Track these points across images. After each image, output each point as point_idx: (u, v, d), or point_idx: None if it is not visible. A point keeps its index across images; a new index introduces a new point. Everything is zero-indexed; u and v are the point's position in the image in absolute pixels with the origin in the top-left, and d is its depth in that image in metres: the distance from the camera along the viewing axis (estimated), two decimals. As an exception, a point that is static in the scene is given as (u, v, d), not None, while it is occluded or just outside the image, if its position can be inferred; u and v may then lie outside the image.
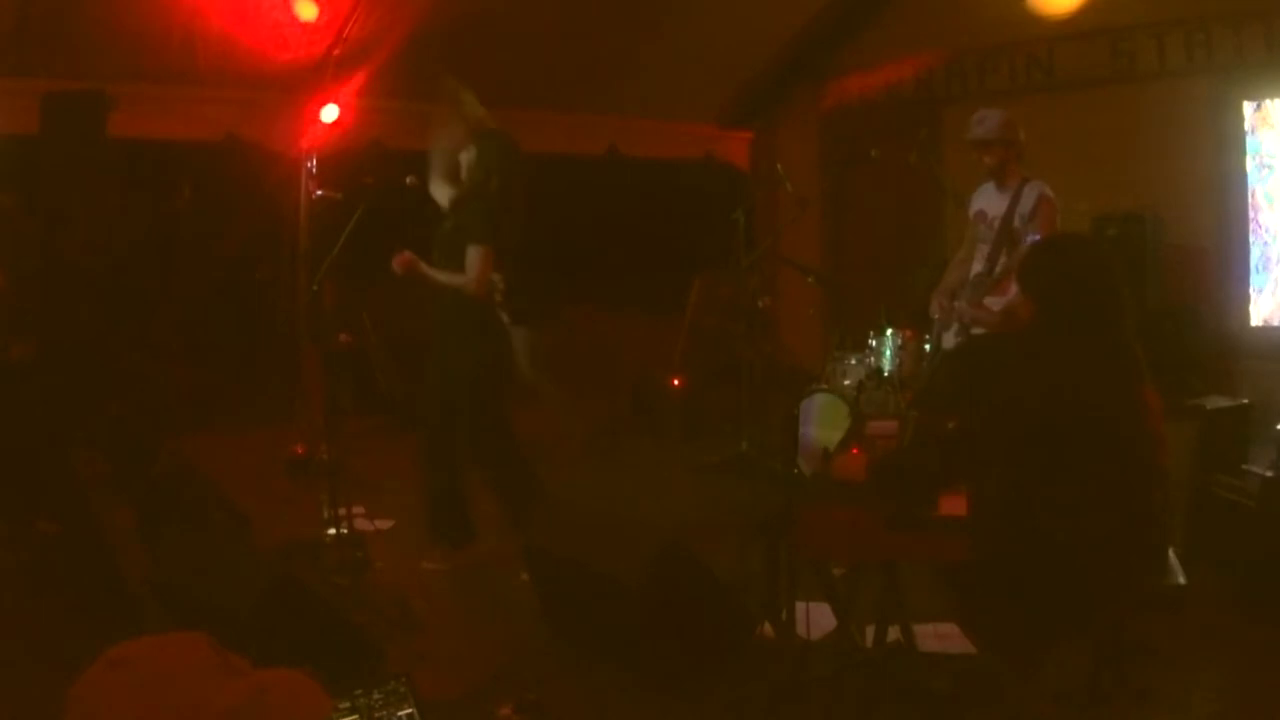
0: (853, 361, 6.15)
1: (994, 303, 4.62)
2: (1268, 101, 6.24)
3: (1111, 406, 2.78)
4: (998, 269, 4.59)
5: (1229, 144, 6.39)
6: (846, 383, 6.06)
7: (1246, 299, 6.41)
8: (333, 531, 4.78)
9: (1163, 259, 6.61)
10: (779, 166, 7.21)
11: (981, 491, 2.93)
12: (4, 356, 4.49)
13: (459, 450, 4.66)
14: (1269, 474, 4.22)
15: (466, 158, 4.63)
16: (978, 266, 4.74)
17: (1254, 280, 6.36)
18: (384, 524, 5.35)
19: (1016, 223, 4.53)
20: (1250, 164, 6.32)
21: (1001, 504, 2.84)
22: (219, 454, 5.64)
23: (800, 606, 3.45)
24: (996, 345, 4.48)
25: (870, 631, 3.53)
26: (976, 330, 4.67)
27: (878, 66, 8.32)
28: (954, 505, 3.00)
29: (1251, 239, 6.33)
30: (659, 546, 3.55)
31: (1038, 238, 4.23)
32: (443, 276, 4.50)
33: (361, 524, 4.94)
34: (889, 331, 5.98)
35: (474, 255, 4.42)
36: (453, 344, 4.62)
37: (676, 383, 7.83)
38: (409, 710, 2.32)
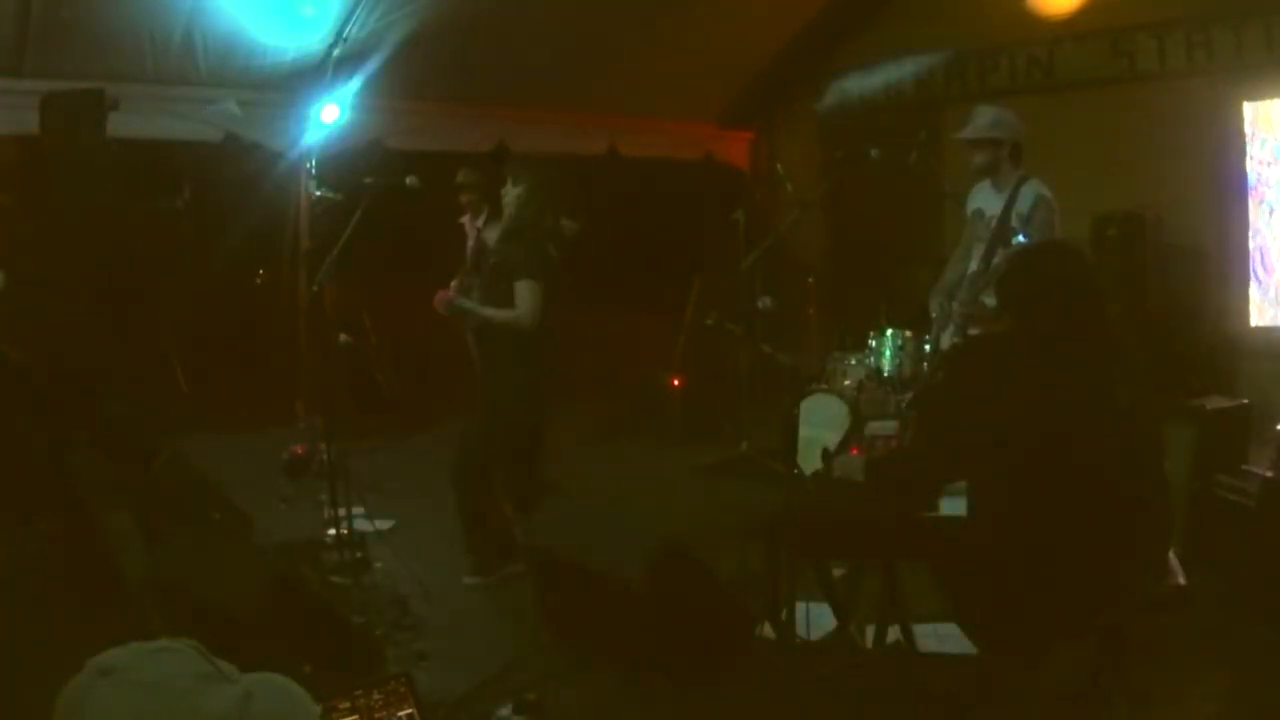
0: (853, 361, 6.15)
1: (989, 303, 4.61)
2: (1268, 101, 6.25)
3: (1106, 409, 2.78)
4: (993, 268, 4.58)
5: (1229, 144, 6.39)
6: (846, 383, 6.06)
7: (1246, 299, 6.41)
8: (333, 531, 4.78)
9: (1163, 259, 6.62)
10: (779, 166, 7.22)
11: (981, 492, 2.93)
12: (4, 357, 4.49)
13: (491, 475, 4.71)
14: (1269, 474, 4.22)
15: (514, 194, 4.66)
16: (974, 265, 4.72)
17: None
18: (384, 524, 5.34)
19: (1013, 222, 4.51)
20: (1250, 164, 6.32)
21: (1001, 504, 2.84)
22: (219, 454, 5.63)
23: (800, 606, 3.45)
24: (994, 345, 4.47)
25: (870, 631, 3.54)
26: (973, 330, 4.66)
27: (878, 66, 8.32)
28: (954, 505, 3.00)
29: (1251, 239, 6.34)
30: (659, 546, 3.55)
31: (1024, 240, 4.23)
32: (490, 312, 4.57)
33: (361, 524, 4.94)
34: (889, 331, 5.98)
35: (525, 290, 4.46)
36: (497, 374, 4.70)
37: (676, 383, 7.83)
38: (409, 710, 2.32)
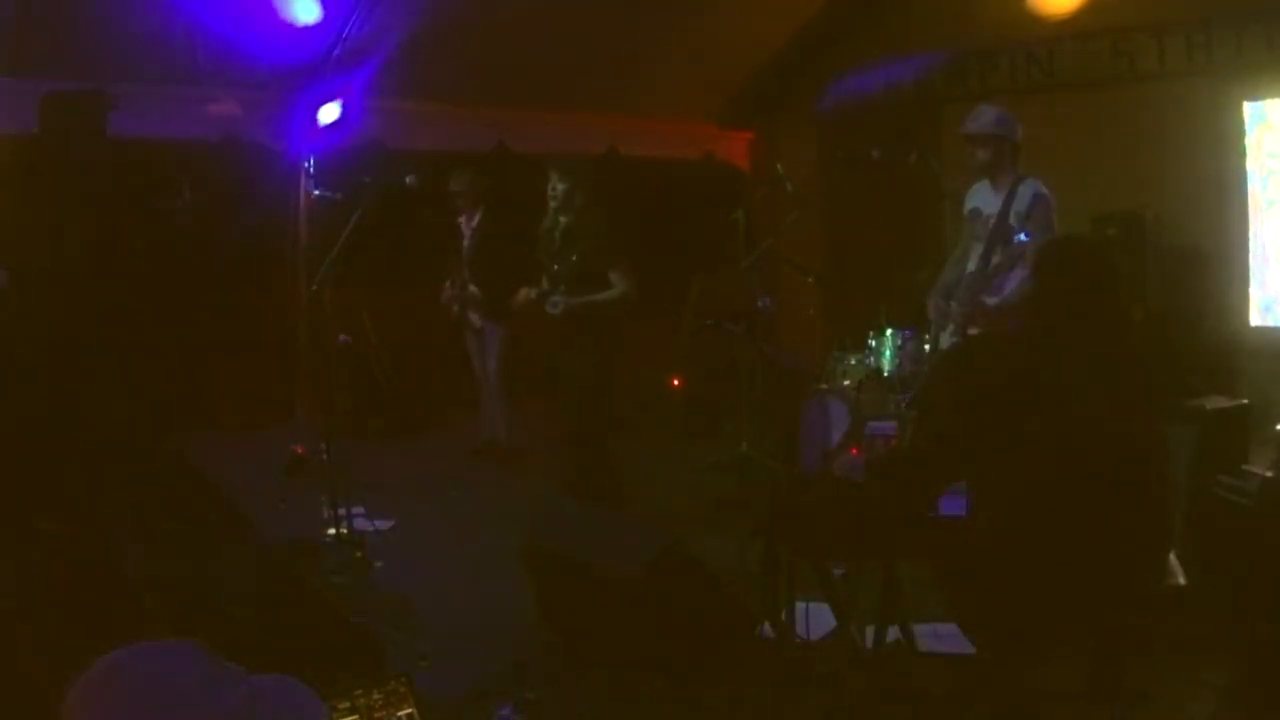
0: (853, 361, 6.15)
1: (988, 301, 4.61)
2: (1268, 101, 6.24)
3: (1113, 408, 2.78)
4: (992, 267, 4.58)
5: (1229, 144, 6.39)
6: (846, 383, 6.06)
7: (1246, 299, 6.40)
8: (333, 531, 4.78)
9: (1163, 259, 6.61)
10: (779, 166, 7.21)
11: (981, 492, 2.93)
12: (4, 356, 4.49)
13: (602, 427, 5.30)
14: (1269, 474, 4.21)
15: (561, 189, 5.14)
16: (972, 265, 4.72)
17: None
18: (384, 524, 5.35)
19: (1012, 221, 4.52)
20: (1250, 164, 6.32)
21: (1001, 504, 2.84)
22: (219, 454, 5.63)
23: (800, 606, 3.45)
24: (994, 345, 4.47)
25: (870, 631, 3.54)
26: (972, 330, 4.65)
27: (878, 66, 8.32)
28: (954, 505, 3.00)
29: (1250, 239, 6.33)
30: (658, 546, 3.55)
31: (1025, 238, 4.23)
32: (600, 297, 5.13)
33: (361, 524, 4.94)
34: (889, 331, 5.98)
35: (619, 276, 5.15)
36: (578, 346, 5.20)
37: (676, 383, 7.83)
38: (409, 710, 2.32)
